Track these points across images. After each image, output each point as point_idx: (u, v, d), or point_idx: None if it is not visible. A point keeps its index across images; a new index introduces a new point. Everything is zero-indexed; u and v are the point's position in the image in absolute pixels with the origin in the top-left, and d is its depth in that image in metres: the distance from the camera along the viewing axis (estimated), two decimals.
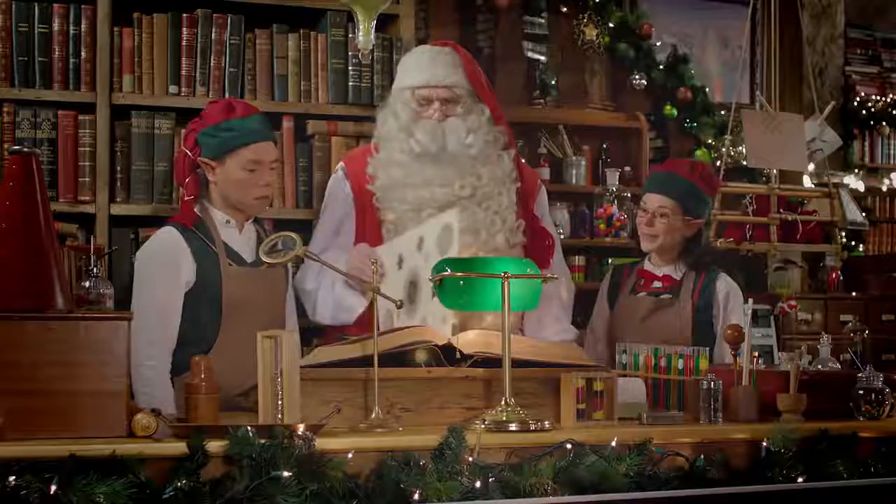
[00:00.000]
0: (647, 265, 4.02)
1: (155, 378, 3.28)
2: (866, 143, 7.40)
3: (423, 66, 3.64)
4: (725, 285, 3.94)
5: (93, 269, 2.96)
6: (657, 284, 3.96)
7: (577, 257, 5.84)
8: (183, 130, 3.64)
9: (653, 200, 3.93)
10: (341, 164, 3.76)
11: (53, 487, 2.18)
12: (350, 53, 4.16)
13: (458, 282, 2.82)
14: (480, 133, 3.60)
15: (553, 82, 5.88)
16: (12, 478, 2.18)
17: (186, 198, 3.50)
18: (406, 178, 3.57)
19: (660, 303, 3.93)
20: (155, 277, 3.40)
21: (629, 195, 5.85)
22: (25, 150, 2.57)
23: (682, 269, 3.97)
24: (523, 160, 3.79)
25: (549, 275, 2.99)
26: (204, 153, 3.47)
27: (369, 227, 3.60)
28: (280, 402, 2.57)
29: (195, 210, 3.48)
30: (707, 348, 3.16)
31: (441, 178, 3.55)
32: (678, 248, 3.96)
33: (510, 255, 3.50)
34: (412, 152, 3.57)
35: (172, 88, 4.01)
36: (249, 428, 2.36)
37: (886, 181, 7.41)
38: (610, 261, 5.73)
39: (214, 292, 3.41)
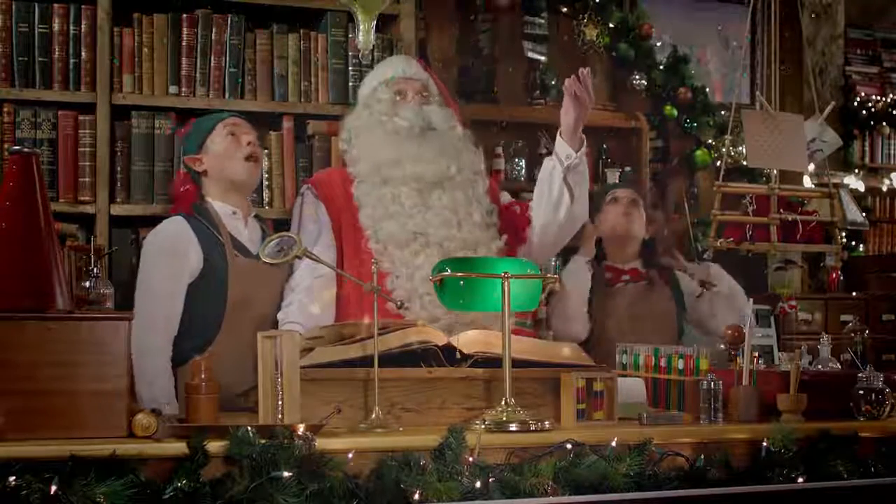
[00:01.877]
0: (610, 262, 4.32)
1: (156, 366, 3.29)
2: (866, 143, 7.37)
3: (395, 63, 3.79)
4: (679, 274, 4.37)
5: (93, 269, 2.96)
6: (626, 278, 4.25)
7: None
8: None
9: (623, 192, 4.38)
10: (308, 186, 3.71)
11: (53, 487, 2.18)
12: (350, 53, 4.16)
13: (458, 282, 2.82)
14: (457, 127, 3.71)
15: (553, 82, 5.86)
16: (12, 478, 2.18)
17: (182, 189, 3.60)
18: (396, 157, 3.58)
19: (640, 288, 4.23)
20: (161, 264, 3.44)
21: None
22: (25, 150, 2.57)
23: (643, 266, 4.31)
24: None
25: (546, 272, 3.01)
26: (188, 152, 3.63)
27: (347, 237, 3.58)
28: (280, 402, 2.57)
29: (196, 201, 3.55)
30: (707, 348, 3.17)
31: (428, 157, 3.58)
32: (637, 249, 4.32)
33: (486, 234, 3.60)
34: (397, 132, 3.61)
35: (172, 88, 4.01)
36: (249, 428, 2.36)
37: (886, 181, 7.38)
38: None
39: (220, 282, 3.44)
